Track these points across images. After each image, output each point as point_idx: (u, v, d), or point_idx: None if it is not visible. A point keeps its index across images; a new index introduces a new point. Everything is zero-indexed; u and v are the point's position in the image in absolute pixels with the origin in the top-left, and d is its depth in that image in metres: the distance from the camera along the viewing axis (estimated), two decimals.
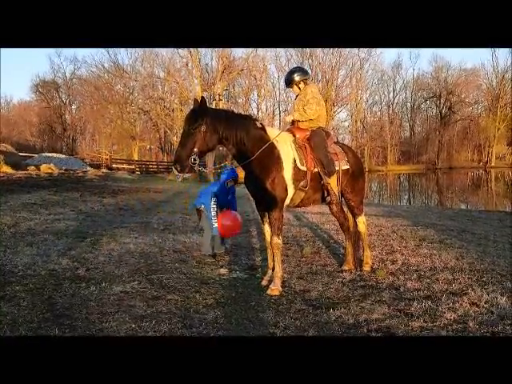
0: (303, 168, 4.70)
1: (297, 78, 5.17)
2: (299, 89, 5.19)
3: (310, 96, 5.03)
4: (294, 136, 4.92)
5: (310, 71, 5.51)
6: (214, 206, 5.74)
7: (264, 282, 4.76)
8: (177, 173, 4.29)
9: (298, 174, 4.66)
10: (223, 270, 5.29)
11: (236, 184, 6.11)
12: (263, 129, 4.63)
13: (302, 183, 4.71)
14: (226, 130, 4.37)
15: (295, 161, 4.67)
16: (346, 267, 5.39)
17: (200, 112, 4.28)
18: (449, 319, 3.68)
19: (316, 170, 4.82)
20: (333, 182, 4.95)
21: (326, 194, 4.97)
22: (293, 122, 5.16)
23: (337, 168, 5.00)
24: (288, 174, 4.58)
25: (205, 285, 4.69)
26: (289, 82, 5.24)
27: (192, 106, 4.49)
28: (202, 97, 4.56)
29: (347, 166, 5.19)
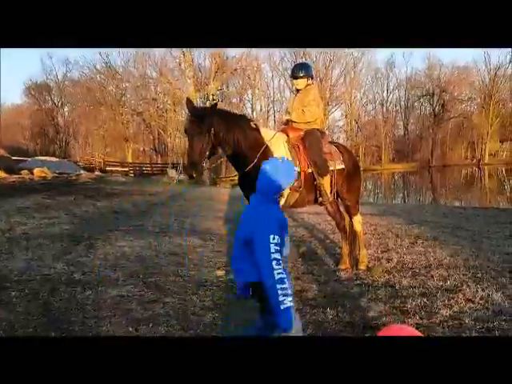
0: (296, 168, 4.68)
1: (312, 73, 5.15)
2: (305, 86, 5.07)
3: (311, 97, 5.00)
4: (288, 136, 4.90)
5: None
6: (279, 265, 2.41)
7: None
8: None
9: None
10: (220, 272, 5.29)
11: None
12: (257, 130, 4.59)
13: (295, 184, 4.70)
14: (226, 132, 4.24)
15: None
16: (342, 266, 5.40)
17: (208, 112, 4.15)
18: (444, 316, 3.71)
19: (310, 170, 4.81)
20: (326, 183, 4.93)
21: (318, 195, 4.96)
22: (287, 122, 5.13)
23: (331, 168, 4.98)
24: None
25: (202, 287, 4.69)
26: (306, 74, 5.03)
27: (187, 106, 4.29)
28: (216, 103, 4.44)
29: (342, 166, 5.19)
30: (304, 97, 5.04)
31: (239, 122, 4.48)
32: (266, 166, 2.56)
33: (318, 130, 5.07)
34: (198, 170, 4.11)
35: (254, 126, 4.57)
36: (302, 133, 4.95)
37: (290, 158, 4.66)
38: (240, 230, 2.53)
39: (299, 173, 4.69)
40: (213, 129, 4.10)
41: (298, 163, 4.69)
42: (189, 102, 4.33)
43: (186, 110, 4.32)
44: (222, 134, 4.21)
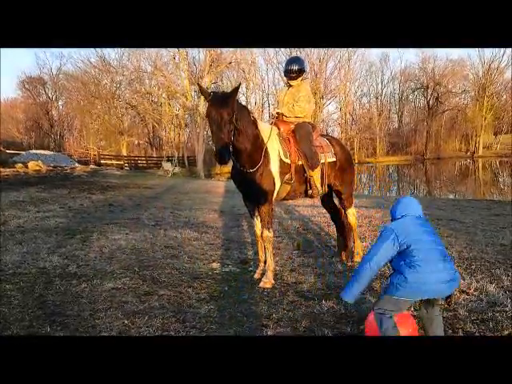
0: (287, 160, 4.67)
1: (305, 68, 5.11)
2: (297, 82, 5.08)
3: (302, 93, 5.01)
4: (279, 129, 4.89)
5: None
6: None
7: (256, 276, 4.78)
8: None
9: (283, 167, 4.64)
10: (215, 265, 5.29)
11: None
12: (255, 123, 4.55)
13: (287, 176, 4.69)
14: (240, 121, 4.16)
15: (280, 153, 4.65)
16: (337, 259, 5.42)
17: (231, 96, 4.03)
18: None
19: (300, 162, 4.80)
20: (315, 176, 4.93)
21: (308, 188, 4.96)
22: (278, 115, 5.13)
23: (322, 161, 4.99)
24: (275, 167, 4.55)
25: (197, 279, 4.69)
26: (299, 72, 5.02)
27: (204, 92, 4.22)
28: (239, 84, 4.29)
29: (333, 159, 5.18)
30: (296, 92, 5.06)
31: (244, 111, 4.42)
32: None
33: (308, 123, 5.08)
34: (230, 153, 4.00)
35: (253, 118, 4.53)
36: (292, 126, 4.95)
37: (281, 150, 4.66)
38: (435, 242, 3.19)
39: (290, 165, 4.69)
40: (235, 114, 4.03)
41: (288, 155, 4.69)
42: (202, 88, 4.30)
43: (202, 96, 4.17)
44: (238, 121, 4.12)
